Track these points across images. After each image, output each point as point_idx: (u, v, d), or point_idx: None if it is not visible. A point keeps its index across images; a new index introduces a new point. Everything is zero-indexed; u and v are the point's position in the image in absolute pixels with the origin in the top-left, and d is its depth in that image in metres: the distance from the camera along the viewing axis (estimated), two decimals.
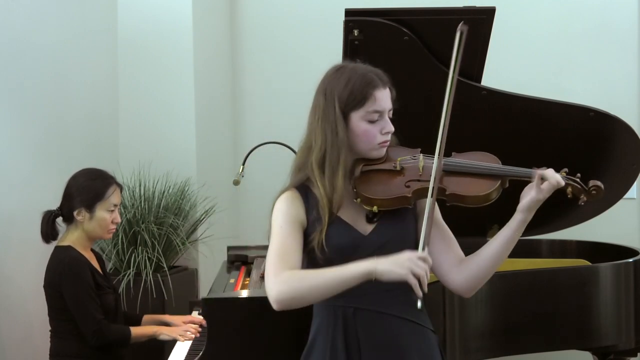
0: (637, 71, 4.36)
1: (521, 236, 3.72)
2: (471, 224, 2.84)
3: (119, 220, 3.09)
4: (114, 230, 3.10)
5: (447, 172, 1.98)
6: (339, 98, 1.95)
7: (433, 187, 1.90)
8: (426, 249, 1.84)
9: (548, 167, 1.96)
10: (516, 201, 1.97)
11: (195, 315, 3.24)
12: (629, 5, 4.37)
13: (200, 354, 2.51)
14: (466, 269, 2.01)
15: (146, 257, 3.73)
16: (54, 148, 3.69)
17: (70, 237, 3.02)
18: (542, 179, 1.89)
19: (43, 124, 3.63)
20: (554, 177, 1.89)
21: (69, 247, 2.98)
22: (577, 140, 3.19)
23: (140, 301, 3.62)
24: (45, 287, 3.00)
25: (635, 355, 3.22)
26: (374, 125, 1.96)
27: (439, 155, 1.93)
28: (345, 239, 1.95)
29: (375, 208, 1.95)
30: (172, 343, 3.01)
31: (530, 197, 1.90)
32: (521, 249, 3.60)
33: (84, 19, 3.97)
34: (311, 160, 1.97)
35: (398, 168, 2.00)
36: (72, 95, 3.86)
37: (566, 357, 3.61)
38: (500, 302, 2.90)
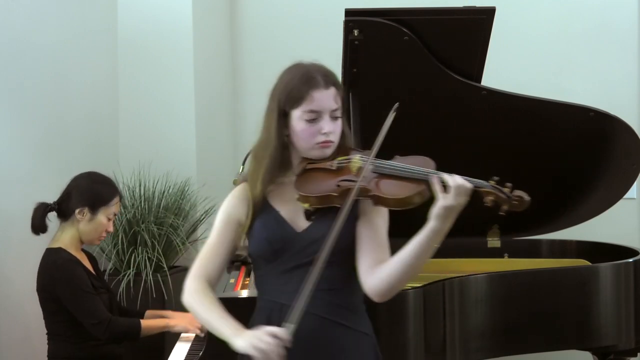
0: (637, 71, 4.36)
1: (521, 236, 3.73)
2: (471, 224, 2.84)
3: (112, 229, 3.12)
4: (104, 238, 3.13)
5: (378, 174, 1.96)
6: (280, 96, 2.00)
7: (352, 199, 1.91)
8: (292, 327, 1.83)
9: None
10: None
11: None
12: (629, 5, 4.36)
13: (201, 353, 2.52)
14: (377, 272, 1.93)
15: (146, 257, 3.73)
16: (54, 148, 3.69)
17: (62, 238, 3.02)
18: (443, 184, 1.83)
19: (43, 124, 3.63)
20: (454, 182, 1.82)
21: (59, 249, 2.99)
22: (577, 140, 3.19)
23: (140, 301, 3.62)
24: (38, 290, 3.00)
25: (635, 355, 3.22)
26: (312, 125, 1.97)
27: (372, 155, 1.95)
28: (276, 234, 1.98)
29: (307, 205, 1.96)
30: (172, 343, 3.01)
31: (437, 204, 1.82)
32: (521, 249, 3.62)
33: (84, 19, 3.97)
34: (251, 154, 2.05)
35: (334, 167, 2.00)
36: (72, 95, 3.86)
37: (566, 357, 3.60)
38: (500, 302, 2.89)
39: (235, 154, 4.58)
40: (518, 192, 1.91)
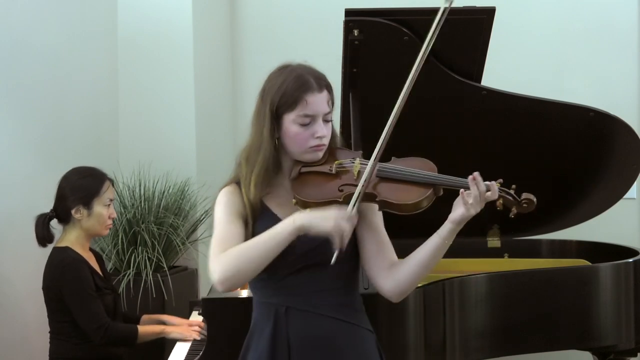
0: (637, 71, 4.36)
1: (521, 236, 3.73)
2: (471, 224, 2.84)
3: (114, 215, 3.10)
4: (111, 225, 3.11)
5: (381, 177, 1.97)
6: (272, 99, 1.96)
7: (372, 165, 1.92)
8: (354, 209, 1.86)
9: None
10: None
11: (195, 315, 3.24)
12: (629, 5, 4.36)
13: (201, 354, 2.52)
14: (394, 274, 1.99)
15: (146, 257, 3.73)
16: (54, 148, 3.69)
17: (68, 237, 3.02)
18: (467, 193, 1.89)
19: (43, 123, 3.64)
20: (481, 190, 1.88)
21: (67, 248, 2.98)
22: (577, 140, 3.19)
23: (140, 301, 3.62)
24: (44, 288, 3.00)
25: (635, 355, 3.22)
26: (306, 128, 1.96)
27: (375, 158, 1.93)
28: None
29: (307, 210, 1.94)
30: (172, 343, 3.01)
31: (460, 213, 1.89)
32: (521, 249, 3.62)
33: (84, 19, 3.97)
34: (241, 158, 2.05)
35: (334, 172, 1.99)
36: (72, 95, 3.86)
37: (566, 357, 3.60)
38: (500, 302, 2.89)
39: (235, 154, 4.53)
40: (526, 195, 1.97)
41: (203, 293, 3.99)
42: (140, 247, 3.78)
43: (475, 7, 2.88)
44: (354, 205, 1.88)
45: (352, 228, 1.85)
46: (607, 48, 4.37)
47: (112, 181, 3.12)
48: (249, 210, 1.98)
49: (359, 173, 1.96)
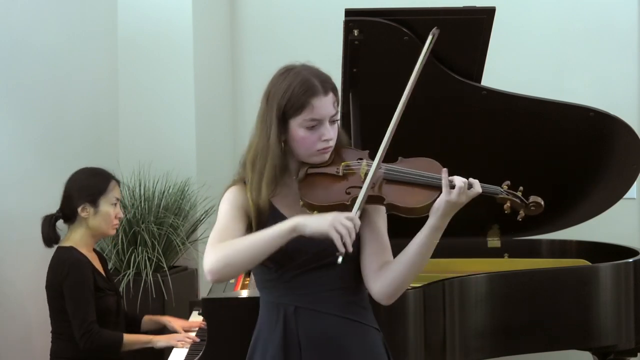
0: (637, 71, 4.36)
1: (521, 236, 3.73)
2: (471, 224, 2.84)
3: (121, 215, 3.11)
4: (117, 225, 3.11)
5: (388, 180, 1.95)
6: (278, 104, 1.94)
7: (373, 171, 1.90)
8: (358, 212, 1.84)
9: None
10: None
11: (195, 315, 3.24)
12: (629, 5, 4.37)
13: (200, 354, 2.52)
14: (383, 275, 1.96)
15: (146, 257, 3.73)
16: (54, 148, 3.69)
17: (73, 237, 3.02)
18: (451, 185, 1.87)
19: (43, 124, 3.63)
20: (460, 181, 1.87)
21: (71, 248, 2.98)
22: (577, 140, 3.20)
23: (140, 301, 3.61)
24: (47, 287, 3.00)
25: (635, 355, 3.22)
26: (313, 132, 1.95)
27: (379, 161, 1.92)
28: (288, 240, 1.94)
29: (315, 213, 1.92)
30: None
31: (440, 198, 1.88)
32: (521, 249, 3.62)
33: (84, 19, 3.97)
34: (246, 160, 2.00)
35: (340, 174, 1.98)
36: (72, 95, 3.86)
37: (566, 357, 3.60)
38: (500, 302, 2.90)
39: (235, 154, 4.58)
40: (533, 198, 1.96)
41: (203, 293, 3.99)
42: (140, 247, 3.78)
43: (475, 7, 2.88)
44: (357, 209, 1.86)
45: (355, 229, 1.80)
46: (607, 48, 4.37)
47: (118, 182, 3.14)
48: (255, 214, 1.96)
49: (366, 175, 1.94)
